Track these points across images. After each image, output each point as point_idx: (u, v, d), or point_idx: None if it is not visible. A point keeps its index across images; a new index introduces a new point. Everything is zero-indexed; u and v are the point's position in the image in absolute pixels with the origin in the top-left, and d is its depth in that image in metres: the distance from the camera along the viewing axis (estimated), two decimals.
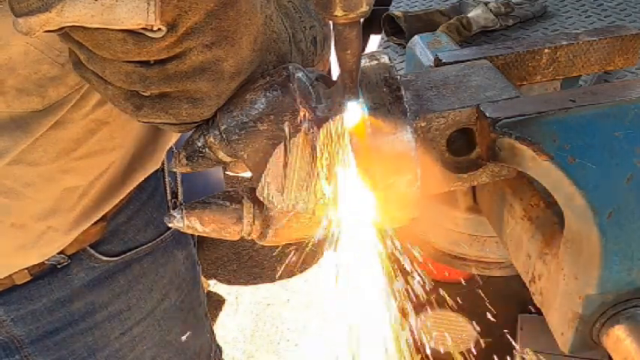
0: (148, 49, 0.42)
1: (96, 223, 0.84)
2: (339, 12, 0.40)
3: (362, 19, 0.42)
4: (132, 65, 0.43)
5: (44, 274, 0.84)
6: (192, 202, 0.52)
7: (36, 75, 0.65)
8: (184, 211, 0.52)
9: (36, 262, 0.81)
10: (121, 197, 0.86)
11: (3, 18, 0.58)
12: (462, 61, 0.60)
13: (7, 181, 0.71)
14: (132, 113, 0.47)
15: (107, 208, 0.84)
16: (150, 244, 0.93)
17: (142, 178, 0.88)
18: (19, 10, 0.39)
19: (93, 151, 0.77)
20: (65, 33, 0.42)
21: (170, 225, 0.52)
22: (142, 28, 0.41)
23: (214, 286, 2.82)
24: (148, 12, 0.40)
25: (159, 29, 0.41)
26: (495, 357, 1.72)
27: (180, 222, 0.52)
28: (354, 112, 0.46)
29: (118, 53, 0.42)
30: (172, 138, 0.91)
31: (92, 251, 0.86)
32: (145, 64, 0.44)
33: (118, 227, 0.89)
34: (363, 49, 0.57)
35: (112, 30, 0.41)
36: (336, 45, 0.43)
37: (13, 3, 0.39)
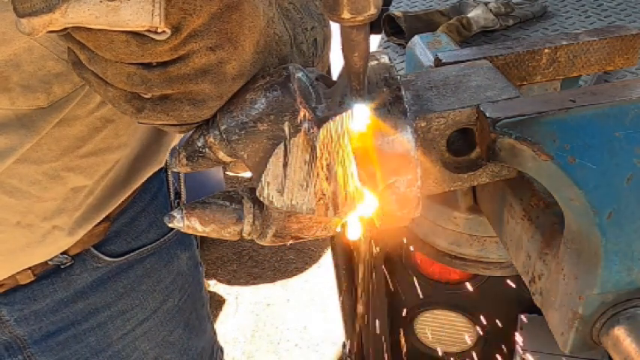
0: (152, 51, 0.42)
1: (99, 223, 0.84)
2: (346, 14, 0.40)
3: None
4: (134, 67, 0.43)
5: (47, 274, 0.84)
6: (192, 202, 0.52)
7: (41, 71, 0.65)
8: (184, 211, 0.52)
9: (40, 262, 0.81)
10: (125, 196, 0.86)
11: (6, 13, 0.58)
12: (462, 61, 0.60)
13: (13, 179, 0.71)
14: (132, 115, 0.47)
15: (111, 207, 0.84)
16: (153, 244, 0.93)
17: (146, 177, 0.88)
18: (22, 11, 0.38)
19: (98, 149, 0.77)
20: (67, 33, 0.42)
21: (170, 225, 0.52)
22: (146, 30, 0.41)
23: (214, 286, 2.82)
24: (152, 14, 0.39)
25: (163, 31, 0.41)
26: (495, 357, 1.72)
27: (180, 222, 0.52)
28: (362, 113, 0.46)
29: (120, 55, 0.42)
30: (176, 137, 0.91)
31: (95, 252, 0.86)
32: (146, 66, 0.44)
33: (122, 228, 0.89)
34: None
35: (116, 31, 0.41)
36: (343, 47, 0.43)
37: (16, 3, 0.39)
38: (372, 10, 0.40)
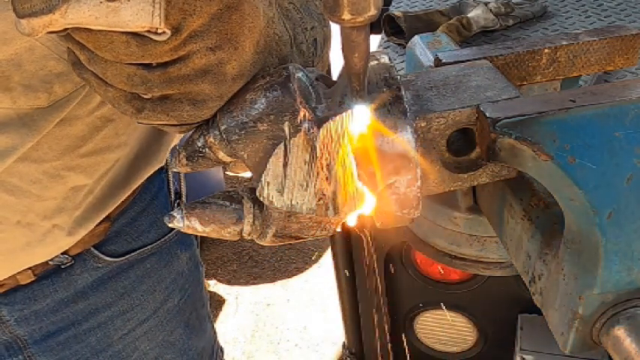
0: (152, 51, 0.42)
1: (100, 223, 0.84)
2: (346, 15, 0.40)
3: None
4: (134, 67, 0.43)
5: (48, 274, 0.84)
6: (192, 202, 0.52)
7: (42, 71, 0.65)
8: (184, 211, 0.52)
9: (40, 262, 0.81)
10: (125, 196, 0.86)
11: (7, 13, 0.58)
12: (462, 61, 0.60)
13: (13, 178, 0.71)
14: (132, 115, 0.47)
15: (111, 207, 0.84)
16: (154, 244, 0.93)
17: (146, 176, 0.88)
18: (21, 11, 0.38)
19: (98, 148, 0.77)
20: (67, 33, 0.42)
21: (170, 225, 0.52)
22: (146, 31, 0.41)
23: (214, 286, 2.82)
24: (152, 15, 0.39)
25: (163, 32, 0.41)
26: (495, 357, 1.72)
27: (180, 222, 0.52)
28: (362, 115, 0.46)
29: (120, 55, 0.42)
30: (176, 136, 0.91)
31: (96, 252, 0.86)
32: (147, 66, 0.44)
33: (122, 228, 0.89)
34: None
35: (116, 32, 0.41)
36: (343, 48, 0.43)
37: (16, 4, 0.38)
38: (373, 11, 0.40)
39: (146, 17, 0.39)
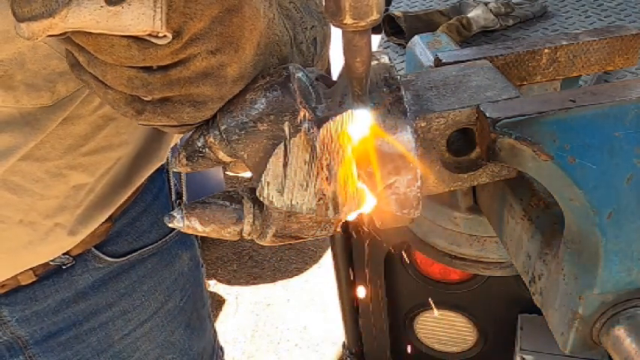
0: (153, 55, 0.42)
1: (102, 223, 0.84)
2: (348, 20, 0.40)
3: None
4: (134, 70, 0.43)
5: (49, 274, 0.84)
6: (192, 202, 0.52)
7: (45, 70, 0.65)
8: (184, 211, 0.52)
9: (42, 262, 0.81)
10: (127, 194, 0.86)
11: (9, 11, 0.58)
12: (462, 61, 0.60)
13: (16, 177, 0.71)
14: (133, 117, 0.47)
15: (113, 206, 0.84)
16: (154, 244, 0.93)
17: (147, 175, 0.88)
18: (21, 15, 0.38)
19: (100, 147, 0.77)
20: (66, 36, 0.42)
21: (170, 225, 0.52)
22: (147, 35, 0.40)
23: (214, 286, 2.82)
24: (154, 19, 0.39)
25: (164, 36, 0.41)
26: (495, 357, 1.72)
27: (180, 222, 0.52)
28: (363, 119, 0.46)
29: (121, 59, 0.42)
30: (177, 135, 0.91)
31: (97, 252, 0.86)
32: (147, 69, 0.43)
33: (123, 228, 0.89)
34: None
35: (116, 36, 0.40)
36: (345, 52, 0.43)
37: (16, 8, 0.38)
38: (375, 15, 0.40)
39: (147, 21, 0.39)
